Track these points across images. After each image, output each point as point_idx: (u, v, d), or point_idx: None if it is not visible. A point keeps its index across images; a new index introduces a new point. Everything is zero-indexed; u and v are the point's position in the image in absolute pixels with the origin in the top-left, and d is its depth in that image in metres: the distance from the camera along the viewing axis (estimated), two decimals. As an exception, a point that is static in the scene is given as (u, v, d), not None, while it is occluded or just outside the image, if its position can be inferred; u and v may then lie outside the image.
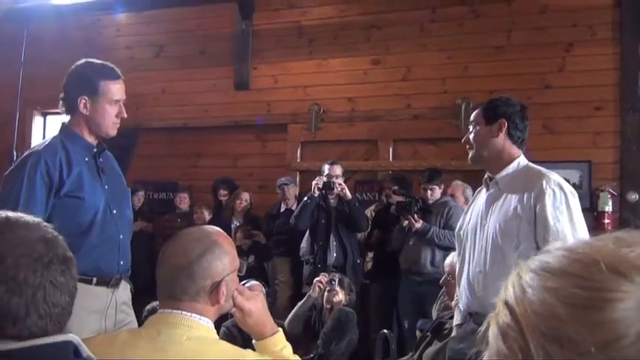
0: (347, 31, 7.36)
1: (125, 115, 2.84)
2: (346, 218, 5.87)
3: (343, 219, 5.88)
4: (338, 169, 5.98)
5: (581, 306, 0.65)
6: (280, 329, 1.90)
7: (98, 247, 2.71)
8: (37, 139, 8.69)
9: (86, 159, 2.80)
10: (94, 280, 2.69)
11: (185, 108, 7.87)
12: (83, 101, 2.76)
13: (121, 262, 2.83)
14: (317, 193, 5.85)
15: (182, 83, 7.97)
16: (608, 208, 6.10)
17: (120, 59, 6.66)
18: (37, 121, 8.78)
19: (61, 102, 2.86)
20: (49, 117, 8.83)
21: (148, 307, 3.51)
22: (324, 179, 5.86)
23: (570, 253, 0.70)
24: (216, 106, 7.78)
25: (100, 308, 2.72)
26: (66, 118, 2.90)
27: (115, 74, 2.84)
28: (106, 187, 2.83)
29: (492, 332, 0.71)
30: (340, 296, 4.56)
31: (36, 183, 2.64)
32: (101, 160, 2.86)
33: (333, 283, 4.60)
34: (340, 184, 5.87)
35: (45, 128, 8.84)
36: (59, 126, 2.90)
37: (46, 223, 1.30)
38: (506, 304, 0.71)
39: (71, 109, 2.82)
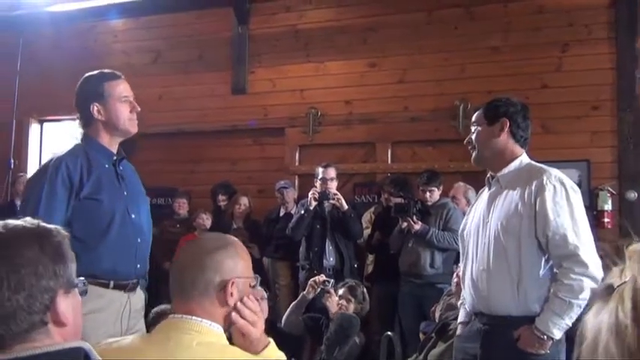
0: (343, 34, 7.36)
1: (139, 109, 2.98)
2: (341, 224, 5.86)
3: (338, 225, 5.86)
4: (332, 172, 5.96)
5: None
6: (271, 340, 1.86)
7: (116, 249, 2.77)
8: (34, 147, 8.68)
9: (106, 165, 2.89)
10: (111, 283, 2.75)
11: (182, 113, 7.85)
12: (95, 108, 2.88)
13: (138, 266, 2.89)
14: (313, 204, 5.83)
15: (179, 88, 7.95)
16: (608, 206, 6.11)
17: (117, 65, 6.59)
18: (34, 128, 8.74)
19: (77, 119, 2.99)
20: (45, 124, 8.81)
21: (156, 309, 3.50)
22: (319, 189, 5.84)
23: None
24: (214, 110, 7.76)
25: (116, 311, 2.77)
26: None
27: (115, 75, 2.97)
28: (125, 192, 2.91)
29: None
30: (351, 305, 4.53)
31: (57, 187, 2.72)
32: (121, 167, 2.96)
33: (327, 284, 4.54)
34: (336, 194, 5.85)
35: (42, 136, 8.81)
36: (80, 136, 3.02)
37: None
38: None
39: (88, 120, 2.93)
